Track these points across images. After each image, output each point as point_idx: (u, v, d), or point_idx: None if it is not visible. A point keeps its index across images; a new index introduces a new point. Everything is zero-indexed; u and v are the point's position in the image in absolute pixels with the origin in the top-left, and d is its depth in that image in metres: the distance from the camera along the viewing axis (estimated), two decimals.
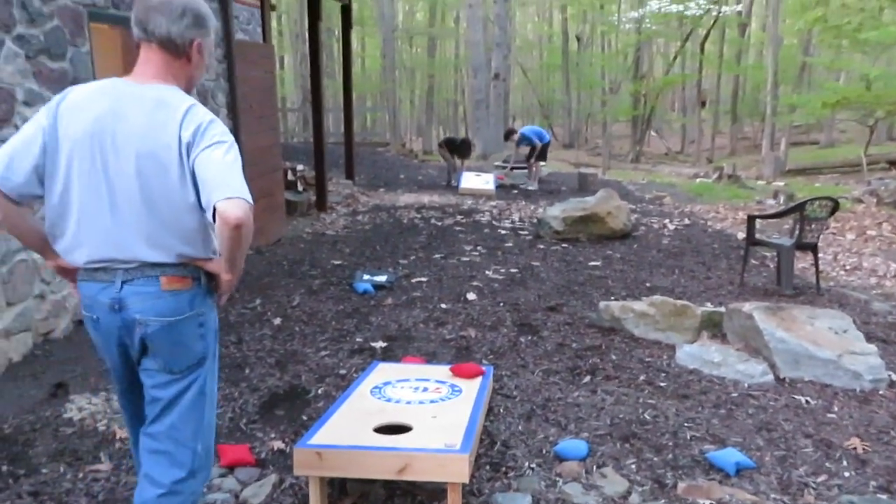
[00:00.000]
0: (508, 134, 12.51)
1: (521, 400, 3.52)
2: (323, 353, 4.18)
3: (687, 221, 8.93)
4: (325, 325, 4.71)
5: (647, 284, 5.79)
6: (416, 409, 2.95)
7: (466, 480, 2.51)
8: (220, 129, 1.84)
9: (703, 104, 28.36)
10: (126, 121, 1.81)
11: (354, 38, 24.36)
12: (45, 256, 1.99)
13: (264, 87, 7.28)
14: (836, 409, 3.49)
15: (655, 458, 2.96)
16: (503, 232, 8.01)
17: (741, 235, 7.64)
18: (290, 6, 26.94)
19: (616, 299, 5.22)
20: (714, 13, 24.33)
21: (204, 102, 1.88)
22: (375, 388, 3.20)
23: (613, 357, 4.15)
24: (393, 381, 3.29)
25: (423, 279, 5.87)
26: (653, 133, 31.12)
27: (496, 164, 14.08)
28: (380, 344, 4.34)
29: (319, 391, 3.64)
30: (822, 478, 2.83)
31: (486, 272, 6.12)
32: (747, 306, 4.29)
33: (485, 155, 18.27)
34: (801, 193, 11.31)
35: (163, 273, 1.86)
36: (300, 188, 9.35)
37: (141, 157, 1.80)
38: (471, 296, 5.38)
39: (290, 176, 9.13)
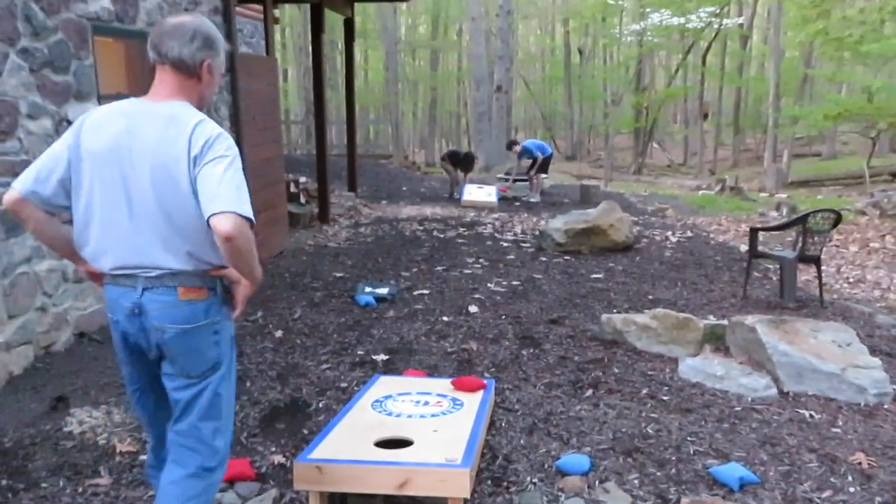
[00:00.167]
0: (511, 145, 12.54)
1: (523, 414, 3.51)
2: (324, 366, 4.17)
3: (689, 234, 8.92)
4: (327, 337, 4.70)
5: (650, 297, 5.78)
6: (417, 422, 2.93)
7: (468, 495, 2.49)
8: (225, 144, 1.96)
9: (705, 116, 28.42)
10: (141, 137, 1.96)
11: (357, 51, 24.50)
12: (74, 262, 2.17)
13: (267, 100, 7.31)
14: (840, 423, 3.47)
15: (658, 473, 2.94)
16: (505, 244, 8.01)
17: (743, 248, 7.63)
18: (294, 19, 27.10)
19: (618, 312, 5.20)
20: (716, 26, 24.44)
21: (207, 115, 2.01)
22: (376, 401, 3.19)
23: (616, 370, 4.13)
24: (394, 394, 3.28)
25: (425, 292, 5.87)
26: (655, 145, 31.18)
27: (498, 176, 14.10)
28: (381, 357, 4.33)
29: (320, 404, 3.63)
30: (826, 493, 2.81)
31: (488, 285, 6.12)
32: (750, 319, 4.27)
33: (487, 167, 18.30)
34: (804, 205, 11.30)
35: (181, 283, 2.00)
36: (303, 200, 9.36)
37: (155, 169, 1.95)
38: (473, 308, 5.37)
39: (292, 188, 9.15)
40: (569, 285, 6.15)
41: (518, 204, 11.52)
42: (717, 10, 23.43)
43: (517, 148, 12.11)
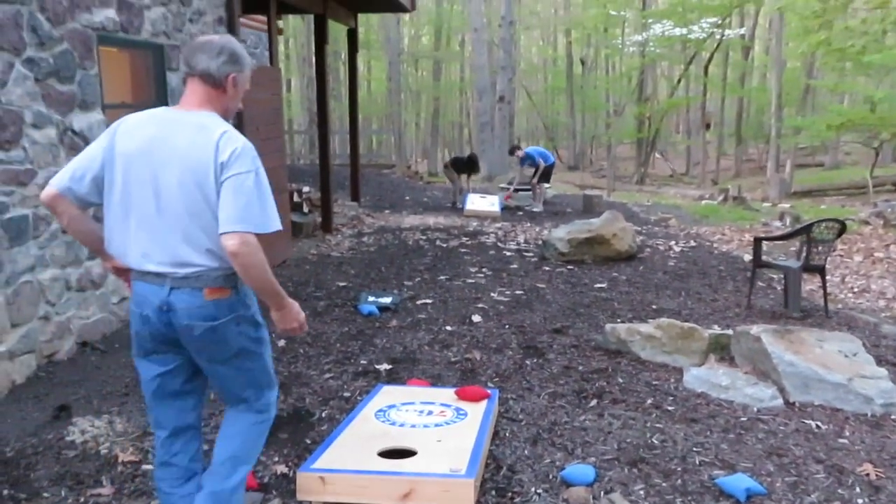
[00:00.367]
0: (513, 150, 12.52)
1: (527, 423, 3.49)
2: (327, 376, 4.16)
3: (693, 243, 8.91)
4: (330, 347, 4.69)
5: (654, 306, 5.76)
6: (420, 432, 2.92)
7: None
8: (250, 157, 2.13)
9: (708, 126, 28.47)
10: (171, 141, 2.13)
11: (361, 62, 24.64)
12: (101, 258, 2.32)
13: (271, 110, 7.34)
14: (847, 433, 3.44)
15: (664, 484, 2.92)
16: (508, 254, 8.00)
17: (747, 257, 7.61)
18: (298, 30, 27.25)
19: (622, 321, 5.18)
20: (717, 36, 24.50)
21: None
22: (380, 411, 3.17)
23: (620, 380, 4.11)
24: (397, 404, 3.26)
25: (429, 301, 5.86)
26: (657, 155, 31.20)
27: (501, 185, 14.10)
28: (384, 366, 4.32)
29: (323, 414, 3.61)
30: None
31: (492, 294, 6.10)
32: (755, 329, 4.25)
33: (490, 177, 18.33)
34: (808, 215, 11.29)
35: (206, 284, 2.16)
36: (306, 210, 9.37)
37: (183, 171, 2.10)
38: (476, 318, 5.35)
39: (295, 198, 9.16)
40: (572, 295, 6.14)
41: (521, 213, 11.52)
42: (719, 21, 23.51)
43: (519, 153, 12.08)
